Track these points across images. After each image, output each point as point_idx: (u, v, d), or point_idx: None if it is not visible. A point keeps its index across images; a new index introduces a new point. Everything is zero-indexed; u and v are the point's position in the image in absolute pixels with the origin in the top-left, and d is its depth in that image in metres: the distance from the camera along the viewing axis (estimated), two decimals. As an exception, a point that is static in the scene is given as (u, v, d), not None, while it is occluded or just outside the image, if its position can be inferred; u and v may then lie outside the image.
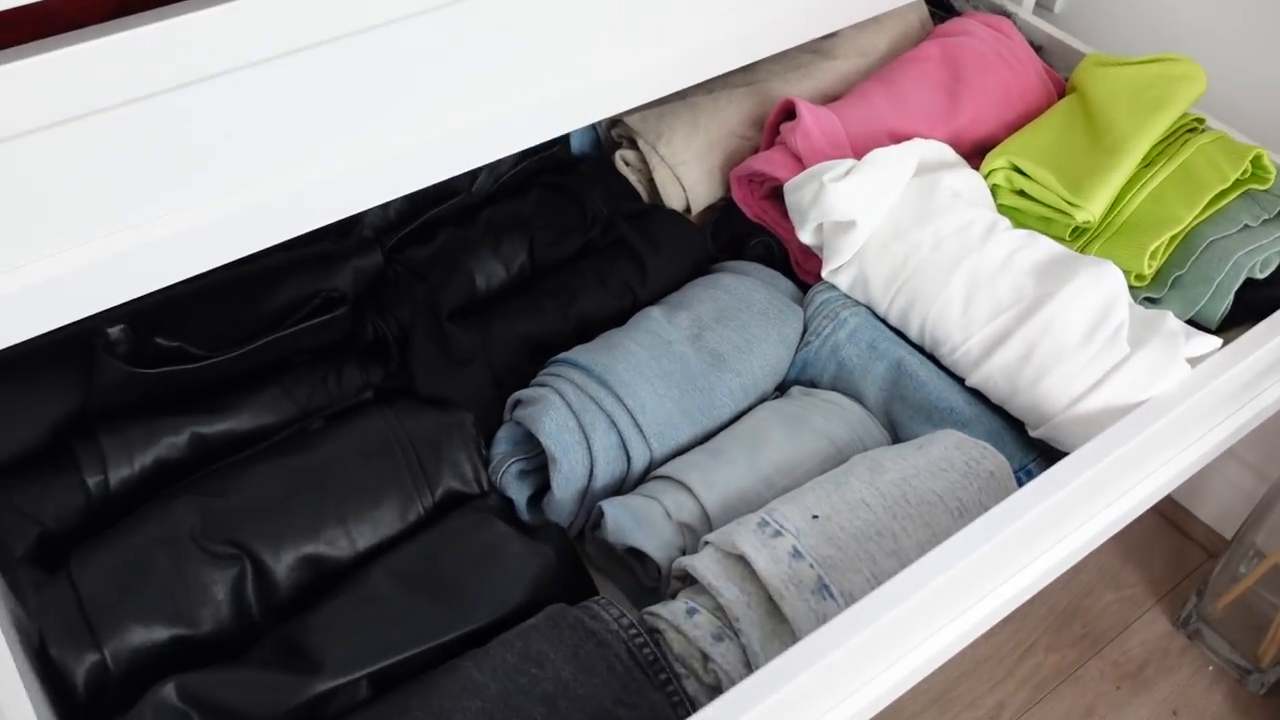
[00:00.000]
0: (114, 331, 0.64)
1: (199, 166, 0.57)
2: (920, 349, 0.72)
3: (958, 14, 0.92)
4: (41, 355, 0.64)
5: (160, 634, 0.57)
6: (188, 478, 0.62)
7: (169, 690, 0.53)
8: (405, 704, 0.55)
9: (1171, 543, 1.10)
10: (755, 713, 0.51)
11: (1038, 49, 0.90)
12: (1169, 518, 1.11)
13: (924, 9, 0.93)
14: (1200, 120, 0.80)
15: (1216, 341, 0.67)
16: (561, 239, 0.78)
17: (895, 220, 0.73)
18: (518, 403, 0.68)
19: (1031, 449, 0.69)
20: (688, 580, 0.61)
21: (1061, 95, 0.85)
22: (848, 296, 0.74)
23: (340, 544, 0.61)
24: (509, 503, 0.66)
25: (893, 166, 0.72)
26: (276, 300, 0.70)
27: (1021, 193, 0.77)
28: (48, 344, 0.60)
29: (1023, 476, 0.67)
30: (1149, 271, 0.72)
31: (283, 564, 0.60)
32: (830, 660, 0.53)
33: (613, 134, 0.86)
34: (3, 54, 0.49)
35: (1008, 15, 0.92)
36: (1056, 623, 1.03)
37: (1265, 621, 0.97)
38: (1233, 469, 1.05)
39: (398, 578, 0.59)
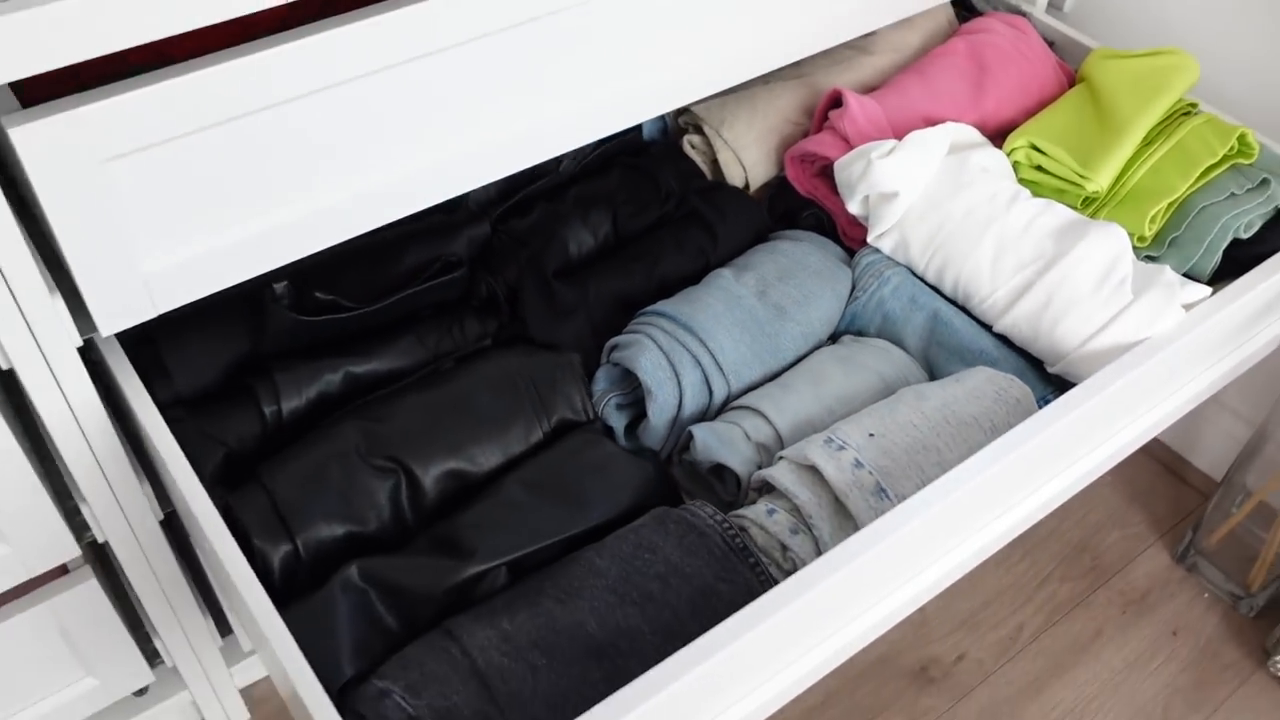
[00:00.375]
0: (279, 287, 0.77)
1: (344, 153, 0.70)
2: (953, 302, 0.84)
3: (980, 14, 1.04)
4: (214, 309, 0.76)
5: (337, 530, 0.69)
6: (346, 407, 0.75)
7: (353, 571, 0.66)
8: (540, 585, 0.67)
9: (1171, 487, 1.22)
10: (826, 585, 0.63)
11: (1050, 44, 1.02)
12: (1169, 466, 1.23)
13: (950, 10, 1.04)
14: (1194, 105, 0.92)
15: (1207, 290, 0.79)
16: (641, 211, 0.90)
17: (931, 192, 0.85)
18: (614, 347, 0.80)
19: (1050, 383, 0.81)
20: (764, 490, 0.73)
21: (1072, 84, 0.97)
22: (890, 258, 0.86)
23: (477, 460, 0.73)
24: (609, 431, 0.78)
25: (929, 146, 0.84)
26: (405, 263, 0.82)
27: (1039, 168, 0.89)
28: (219, 300, 0.72)
29: (1042, 404, 0.79)
30: (1150, 233, 0.84)
31: (430, 476, 0.72)
32: (887, 544, 0.65)
33: (680, 121, 0.98)
34: (191, 63, 0.61)
35: (1023, 14, 1.04)
36: (1069, 557, 1.15)
37: (1253, 553, 1.09)
38: (1225, 419, 1.17)
39: (527, 486, 0.71)
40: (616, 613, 0.64)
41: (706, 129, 0.95)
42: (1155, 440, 1.23)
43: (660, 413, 0.76)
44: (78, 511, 0.77)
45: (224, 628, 0.94)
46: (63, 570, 0.80)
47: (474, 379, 0.76)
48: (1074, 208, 0.87)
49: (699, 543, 0.68)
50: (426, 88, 0.70)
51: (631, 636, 0.63)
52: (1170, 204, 0.85)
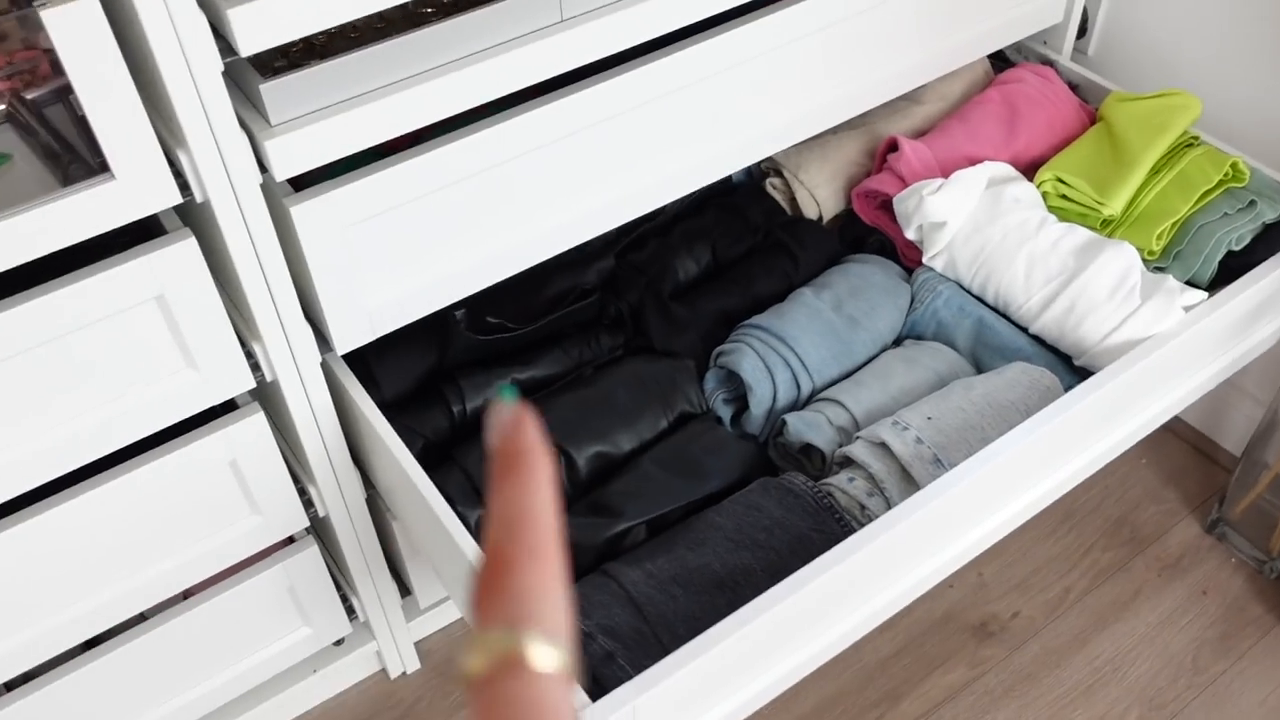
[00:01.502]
0: (460, 314, 0.98)
1: (514, 209, 0.90)
2: (995, 309, 1.03)
3: (1012, 64, 1.23)
4: (410, 332, 0.97)
5: (515, 500, 0.89)
6: (514, 406, 0.95)
7: (531, 528, 0.86)
8: (673, 537, 0.87)
9: (1201, 467, 1.38)
10: (896, 531, 0.82)
11: (1074, 87, 1.20)
12: (1198, 447, 1.40)
13: (987, 62, 1.23)
14: (1196, 138, 1.09)
15: (1204, 295, 0.97)
16: (734, 243, 1.10)
17: (974, 220, 1.03)
18: (720, 354, 1.00)
19: (1077, 374, 0.99)
20: (844, 464, 0.93)
21: (1093, 123, 1.15)
22: (942, 275, 1.05)
23: (618, 444, 0.93)
24: (718, 420, 0.98)
25: (970, 183, 1.03)
26: (549, 291, 1.03)
27: (1064, 196, 1.07)
28: (413, 325, 0.94)
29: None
30: (1157, 248, 1.02)
31: (583, 457, 0.92)
32: (942, 501, 0.83)
33: (762, 166, 1.18)
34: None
35: (1051, 62, 1.23)
36: (1109, 529, 1.32)
37: (1274, 521, 1.25)
38: (1247, 404, 1.33)
39: (659, 463, 0.92)
40: (734, 556, 0.84)
41: (786, 173, 1.14)
42: (1186, 424, 1.39)
43: (759, 404, 0.96)
44: (306, 491, 0.98)
45: (403, 589, 1.15)
46: (290, 540, 1.02)
47: (611, 381, 0.96)
48: (1094, 229, 1.05)
49: (795, 503, 0.87)
50: (578, 155, 0.91)
51: (746, 572, 0.83)
52: (1174, 223, 1.03)
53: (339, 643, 1.15)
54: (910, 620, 1.24)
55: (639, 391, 0.95)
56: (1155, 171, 1.06)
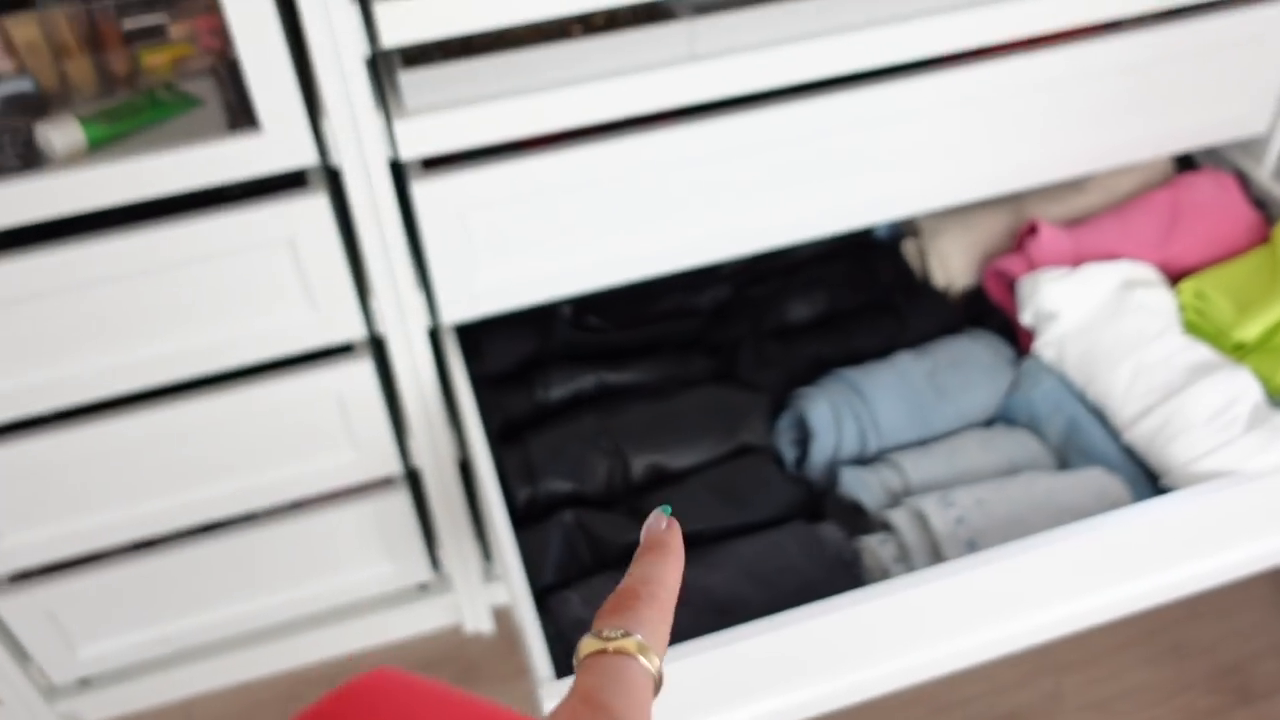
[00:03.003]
0: (566, 309, 1.06)
1: (633, 220, 0.97)
2: (1094, 412, 1.00)
3: (1196, 167, 1.17)
4: (522, 317, 1.06)
5: (565, 487, 0.96)
6: (592, 404, 1.02)
7: (568, 516, 0.93)
8: (696, 555, 0.90)
9: (1350, 636, 1.26)
10: (894, 599, 0.82)
11: (1261, 204, 1.13)
12: (1352, 615, 1.27)
13: (1169, 164, 1.18)
14: (1370, 280, 1.01)
15: (1317, 440, 0.90)
16: (853, 296, 1.12)
17: (1092, 316, 1.00)
18: (798, 396, 1.02)
19: (1161, 494, 0.94)
20: (887, 527, 0.93)
21: (1265, 243, 1.08)
22: (1048, 366, 1.03)
23: (675, 459, 0.98)
24: (781, 460, 1.01)
25: (1093, 278, 1.00)
26: (660, 305, 1.09)
27: (1201, 311, 1.02)
28: (526, 312, 1.02)
29: (1146, 510, 0.93)
30: (1285, 384, 0.96)
31: (638, 464, 0.98)
32: (948, 583, 0.82)
33: (904, 227, 1.19)
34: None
35: (1243, 174, 1.16)
36: (1218, 673, 1.23)
37: None
38: None
39: (707, 485, 0.95)
40: (740, 585, 0.87)
41: (923, 237, 1.15)
42: (1342, 588, 1.27)
43: (821, 452, 0.98)
44: (405, 442, 1.09)
45: (488, 553, 1.24)
46: (387, 481, 1.13)
47: (686, 400, 1.01)
48: (1225, 350, 0.99)
49: (818, 551, 0.89)
50: (699, 181, 0.96)
51: (745, 604, 0.86)
52: (1313, 362, 0.96)
53: (423, 588, 1.26)
54: (967, 713, 1.20)
55: (709, 415, 0.99)
56: (1311, 304, 0.99)
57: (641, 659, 0.35)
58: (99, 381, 0.93)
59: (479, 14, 0.82)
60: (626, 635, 0.36)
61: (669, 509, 0.44)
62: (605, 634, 0.35)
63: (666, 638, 0.37)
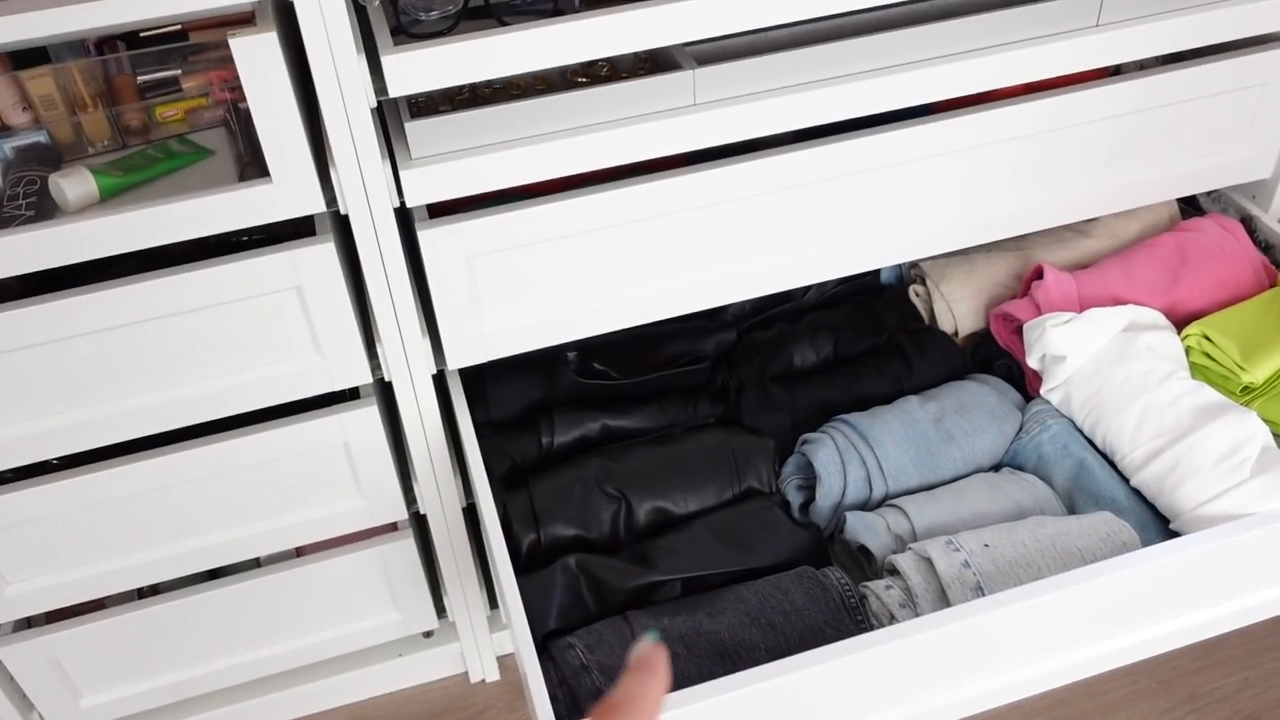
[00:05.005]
0: (571, 355, 1.06)
1: (637, 266, 0.98)
2: (1103, 455, 0.99)
3: (1202, 212, 1.17)
4: (525, 363, 1.06)
5: (569, 532, 0.96)
6: (597, 449, 1.02)
7: (572, 561, 0.92)
8: (699, 601, 0.90)
9: (1372, 686, 1.23)
10: (899, 644, 0.80)
11: (1268, 248, 1.13)
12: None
13: (1175, 206, 1.18)
14: (1378, 323, 1.00)
15: (1328, 484, 0.89)
16: (858, 340, 1.12)
17: (1099, 360, 1.00)
18: (804, 441, 1.02)
19: (1170, 538, 0.93)
20: (893, 572, 0.92)
21: (1272, 287, 1.08)
22: (1056, 410, 1.02)
23: (680, 503, 0.98)
24: (787, 504, 1.00)
25: (1100, 322, 1.00)
26: (665, 351, 1.10)
27: (1208, 355, 1.01)
28: (529, 356, 1.02)
29: (1155, 554, 0.91)
30: (1295, 427, 0.95)
31: (643, 508, 0.97)
32: (953, 629, 0.81)
33: (910, 271, 1.19)
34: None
35: (1249, 218, 1.16)
36: (1239, 724, 1.20)
37: None
38: None
39: (710, 529, 0.95)
40: (745, 630, 0.86)
41: (929, 281, 1.15)
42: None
43: (826, 497, 0.97)
44: (410, 488, 1.09)
45: (494, 601, 1.24)
46: (393, 527, 1.13)
47: (691, 445, 1.01)
48: (1232, 394, 0.98)
49: (822, 596, 0.88)
50: (716, 225, 0.97)
51: (750, 649, 0.85)
52: (1322, 404, 0.95)
53: (429, 635, 1.25)
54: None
55: (713, 459, 0.99)
56: (1318, 347, 0.99)
57: None
58: (105, 428, 0.93)
59: (484, 65, 0.83)
60: None
61: (656, 633, 0.52)
62: None
63: None
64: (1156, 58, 1.11)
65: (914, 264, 1.19)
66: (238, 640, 1.14)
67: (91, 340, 0.88)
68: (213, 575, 1.10)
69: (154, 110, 0.95)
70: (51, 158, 0.91)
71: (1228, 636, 1.03)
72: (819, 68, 0.92)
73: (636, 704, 0.44)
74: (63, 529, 0.99)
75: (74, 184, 0.85)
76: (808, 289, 1.18)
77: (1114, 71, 1.13)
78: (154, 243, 0.84)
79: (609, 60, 0.94)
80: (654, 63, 0.96)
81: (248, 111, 0.83)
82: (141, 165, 0.89)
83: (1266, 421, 0.94)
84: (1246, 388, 0.99)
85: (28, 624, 1.07)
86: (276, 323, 0.92)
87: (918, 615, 0.87)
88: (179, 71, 0.96)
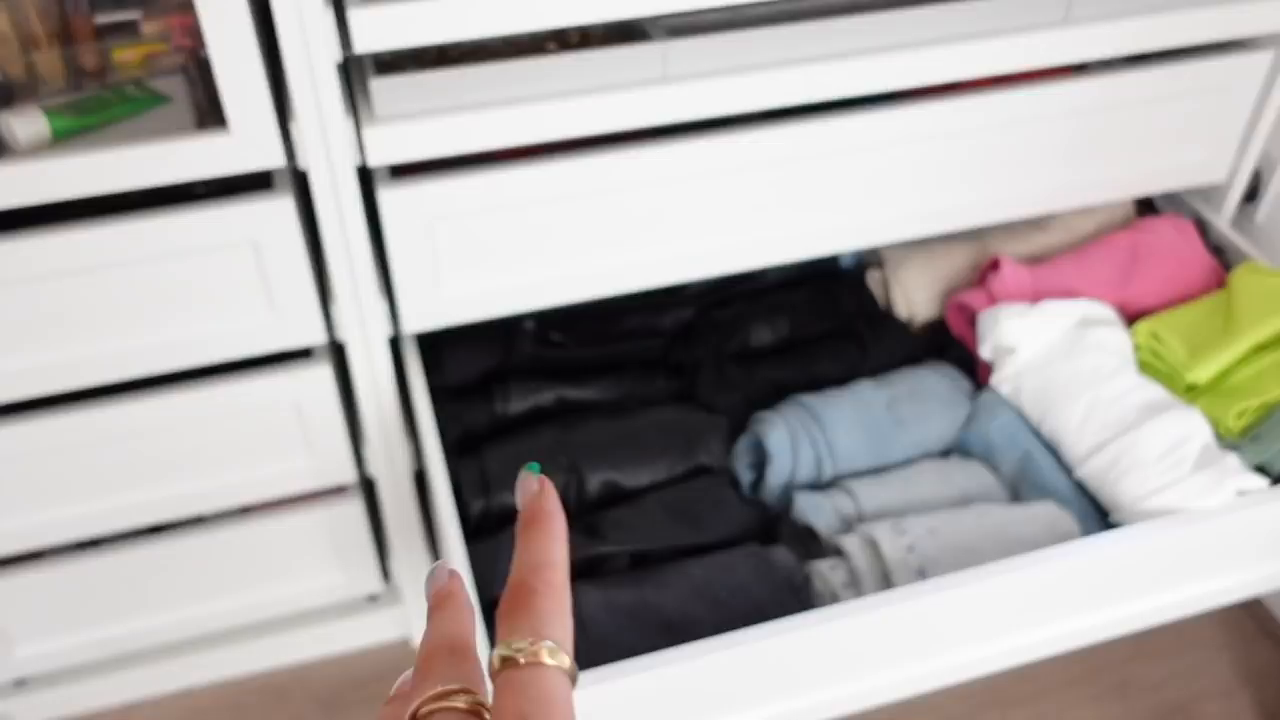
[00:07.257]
0: (529, 324, 1.06)
1: (597, 238, 0.97)
2: (1048, 447, 1.01)
3: (1158, 212, 1.19)
4: (483, 330, 1.06)
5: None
6: (551, 420, 1.02)
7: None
8: (646, 574, 0.90)
9: (1292, 680, 1.27)
10: (842, 623, 0.82)
11: (1220, 250, 1.15)
12: (1296, 660, 1.28)
13: (1131, 206, 1.20)
14: (1322, 326, 1.03)
15: (1264, 482, 0.91)
16: (815, 323, 1.13)
17: (1049, 353, 1.02)
18: (756, 420, 1.03)
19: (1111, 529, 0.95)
20: (839, 553, 0.93)
21: (1221, 288, 1.10)
22: (1004, 400, 1.04)
23: (631, 477, 0.98)
24: (737, 482, 1.01)
25: (1051, 315, 1.02)
26: (624, 325, 1.09)
27: (1155, 352, 1.03)
28: (487, 324, 1.02)
29: (1094, 545, 0.93)
30: (1235, 426, 0.97)
31: (594, 481, 0.97)
32: (889, 611, 0.82)
33: (869, 258, 1.20)
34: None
35: (1203, 221, 1.18)
36: (1162, 713, 1.24)
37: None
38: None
39: (661, 504, 0.95)
40: (690, 605, 0.87)
41: (886, 268, 1.16)
42: (1286, 632, 1.29)
43: (776, 475, 0.98)
44: (360, 451, 1.08)
45: (440, 568, 1.23)
46: (340, 490, 1.12)
47: (644, 419, 1.01)
48: (1177, 391, 1.00)
49: (768, 573, 0.89)
50: (680, 200, 0.97)
51: (695, 624, 0.85)
52: (1263, 405, 0.97)
53: (373, 599, 1.25)
54: (915, 742, 1.20)
55: (666, 434, 1.00)
56: (1262, 349, 1.01)
57: (554, 663, 0.33)
58: (49, 376, 0.91)
59: (454, 25, 0.82)
60: (536, 641, 0.34)
61: (537, 467, 0.41)
62: (514, 645, 0.34)
63: (570, 624, 0.36)
64: (1122, 58, 1.12)
65: (873, 250, 1.19)
66: (178, 596, 1.13)
67: (39, 286, 0.86)
68: (155, 530, 1.08)
69: (111, 53, 0.93)
70: (2, 96, 0.88)
71: (1159, 629, 1.06)
72: (788, 47, 0.92)
73: (547, 576, 0.37)
74: (3, 477, 0.97)
75: (25, 124, 0.83)
76: (767, 270, 1.18)
77: (1079, 69, 1.14)
78: (104, 189, 0.82)
79: (583, 29, 0.94)
80: (629, 34, 0.95)
81: (208, 60, 0.82)
82: (96, 108, 0.87)
83: (1209, 419, 0.96)
84: (1191, 386, 1.01)
85: (-38, 572, 1.05)
86: (231, 278, 0.90)
87: (861, 596, 0.88)
88: (139, 15, 0.93)
